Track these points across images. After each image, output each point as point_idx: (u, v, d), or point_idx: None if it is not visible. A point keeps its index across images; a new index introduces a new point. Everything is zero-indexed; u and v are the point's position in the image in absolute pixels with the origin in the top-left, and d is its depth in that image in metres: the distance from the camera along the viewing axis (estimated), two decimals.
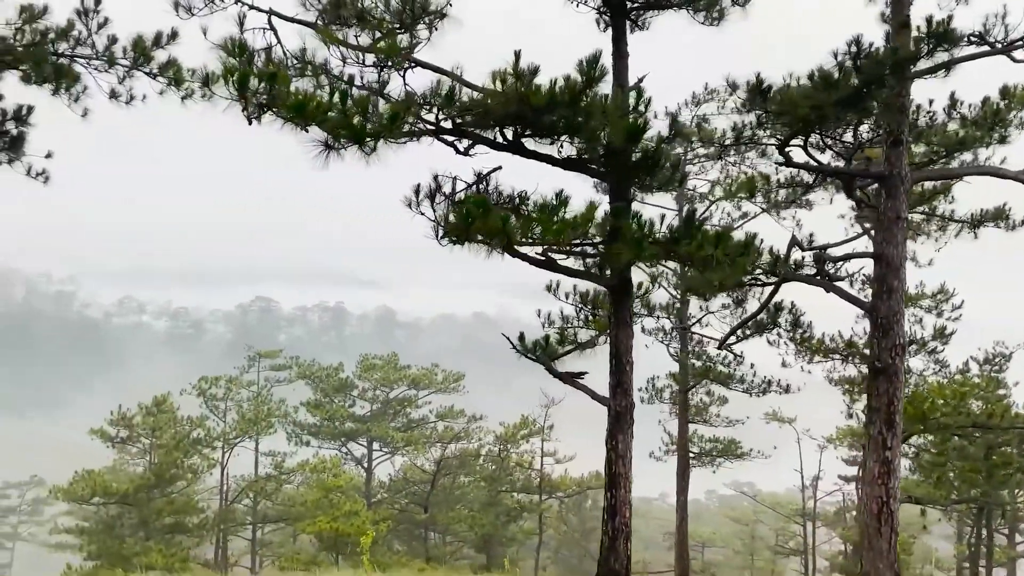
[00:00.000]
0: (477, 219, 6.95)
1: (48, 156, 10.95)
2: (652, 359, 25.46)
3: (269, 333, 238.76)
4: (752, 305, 15.09)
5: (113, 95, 10.35)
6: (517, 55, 7.21)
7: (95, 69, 10.14)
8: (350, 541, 31.65)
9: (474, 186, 7.94)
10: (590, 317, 11.13)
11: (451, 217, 7.40)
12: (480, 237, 7.28)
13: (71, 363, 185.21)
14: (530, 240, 7.38)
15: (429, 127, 7.53)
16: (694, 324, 22.68)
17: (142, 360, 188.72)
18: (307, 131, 6.67)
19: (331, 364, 43.08)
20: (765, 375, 21.83)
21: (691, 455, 25.95)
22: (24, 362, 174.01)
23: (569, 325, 11.45)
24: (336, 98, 6.50)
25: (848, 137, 13.44)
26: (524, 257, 8.07)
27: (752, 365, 21.96)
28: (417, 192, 7.73)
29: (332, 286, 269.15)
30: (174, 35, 10.40)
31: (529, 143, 8.08)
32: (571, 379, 9.77)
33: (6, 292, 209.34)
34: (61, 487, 30.33)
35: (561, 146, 7.99)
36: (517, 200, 7.81)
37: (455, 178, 7.83)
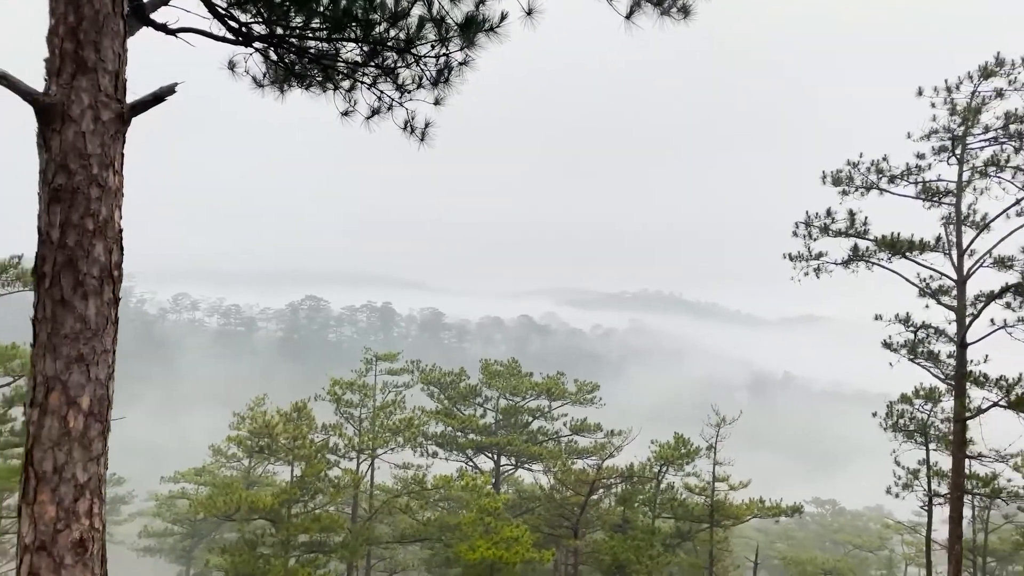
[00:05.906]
0: None
1: (437, 103, 7.97)
2: (896, 378, 22.16)
3: (318, 332, 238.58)
4: None
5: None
6: None
7: None
8: (506, 568, 28.76)
9: None
10: None
11: None
12: None
13: (133, 358, 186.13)
14: None
15: None
16: (978, 342, 19.36)
17: (198, 355, 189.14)
18: None
19: (452, 369, 40.35)
20: None
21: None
22: None
23: None
24: None
25: None
26: None
27: None
28: None
29: (381, 287, 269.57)
30: None
31: None
32: None
33: None
34: (201, 499, 27.88)
35: None
36: None
37: None
